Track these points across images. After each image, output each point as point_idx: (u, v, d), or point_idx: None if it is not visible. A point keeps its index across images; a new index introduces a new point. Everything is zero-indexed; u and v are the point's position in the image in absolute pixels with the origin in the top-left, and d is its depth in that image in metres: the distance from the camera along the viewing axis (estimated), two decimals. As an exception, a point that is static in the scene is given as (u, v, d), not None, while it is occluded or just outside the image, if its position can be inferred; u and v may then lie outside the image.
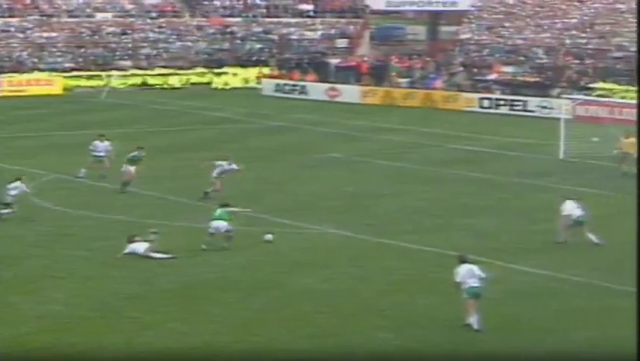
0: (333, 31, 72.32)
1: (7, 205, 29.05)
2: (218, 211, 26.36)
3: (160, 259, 25.08)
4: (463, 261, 20.66)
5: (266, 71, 66.93)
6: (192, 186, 34.36)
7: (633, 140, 36.35)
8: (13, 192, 29.25)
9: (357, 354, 19.08)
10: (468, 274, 20.33)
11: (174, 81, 65.89)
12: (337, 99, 60.20)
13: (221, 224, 26.00)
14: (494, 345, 19.56)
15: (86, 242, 26.94)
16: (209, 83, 66.20)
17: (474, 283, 20.21)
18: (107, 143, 35.39)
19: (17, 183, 29.49)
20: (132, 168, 33.10)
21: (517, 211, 30.86)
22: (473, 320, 20.09)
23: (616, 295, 22.69)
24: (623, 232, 28.59)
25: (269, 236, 26.90)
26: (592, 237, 27.22)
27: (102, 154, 35.10)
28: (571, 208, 27.39)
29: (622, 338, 19.84)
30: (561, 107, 44.88)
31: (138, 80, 65.43)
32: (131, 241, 25.53)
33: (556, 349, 19.39)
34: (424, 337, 19.86)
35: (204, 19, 72.31)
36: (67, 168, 37.10)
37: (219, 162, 31.93)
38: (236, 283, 23.49)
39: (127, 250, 25.40)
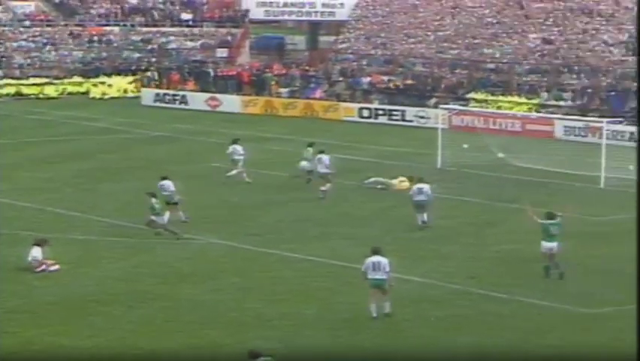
0: (212, 41, 72.09)
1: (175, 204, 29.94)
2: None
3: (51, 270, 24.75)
4: (376, 252, 21.62)
5: (147, 73, 65.81)
6: (70, 197, 33.84)
7: (404, 181, 35.08)
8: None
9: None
10: (374, 266, 21.34)
11: (50, 91, 64.47)
12: (218, 109, 59.95)
13: None
14: (378, 352, 19.84)
15: (-39, 256, 26.22)
16: (86, 93, 65.03)
17: (377, 275, 21.25)
18: (238, 146, 36.91)
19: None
20: (306, 164, 36.26)
21: (398, 220, 31.31)
22: (374, 307, 21.26)
23: (493, 301, 23.30)
24: (500, 240, 29.44)
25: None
26: (425, 219, 29.64)
27: (241, 157, 36.49)
28: (418, 191, 29.71)
29: (501, 344, 20.44)
30: (438, 117, 45.76)
31: (12, 90, 63.83)
32: (36, 245, 24.99)
33: (440, 355, 19.80)
34: (312, 346, 19.99)
35: (80, 27, 71.06)
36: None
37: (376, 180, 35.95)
38: (118, 295, 23.21)
39: (30, 257, 24.82)
